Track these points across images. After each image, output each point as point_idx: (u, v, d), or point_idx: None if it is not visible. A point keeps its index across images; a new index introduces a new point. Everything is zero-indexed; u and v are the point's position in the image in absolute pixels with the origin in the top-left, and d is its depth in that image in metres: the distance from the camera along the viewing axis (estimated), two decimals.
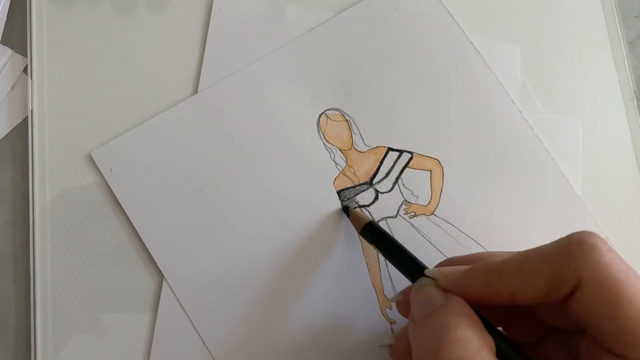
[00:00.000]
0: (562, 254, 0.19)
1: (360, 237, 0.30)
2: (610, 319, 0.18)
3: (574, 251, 0.19)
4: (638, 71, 0.35)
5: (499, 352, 0.20)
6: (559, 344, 0.22)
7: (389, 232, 0.30)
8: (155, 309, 0.29)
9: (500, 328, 0.22)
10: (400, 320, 0.29)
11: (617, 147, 0.33)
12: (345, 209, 0.30)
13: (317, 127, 0.31)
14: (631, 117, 0.34)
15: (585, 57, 0.34)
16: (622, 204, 0.33)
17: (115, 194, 0.29)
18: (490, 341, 0.19)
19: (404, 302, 0.25)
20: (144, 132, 0.30)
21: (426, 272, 0.23)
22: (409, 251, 0.25)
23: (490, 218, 0.31)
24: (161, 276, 0.29)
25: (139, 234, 0.29)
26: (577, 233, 0.19)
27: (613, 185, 0.33)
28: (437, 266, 0.24)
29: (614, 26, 0.35)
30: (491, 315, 0.21)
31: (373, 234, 0.27)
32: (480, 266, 0.21)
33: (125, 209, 0.29)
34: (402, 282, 0.29)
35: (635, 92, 0.34)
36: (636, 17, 0.36)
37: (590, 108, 0.33)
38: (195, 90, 0.31)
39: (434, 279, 0.22)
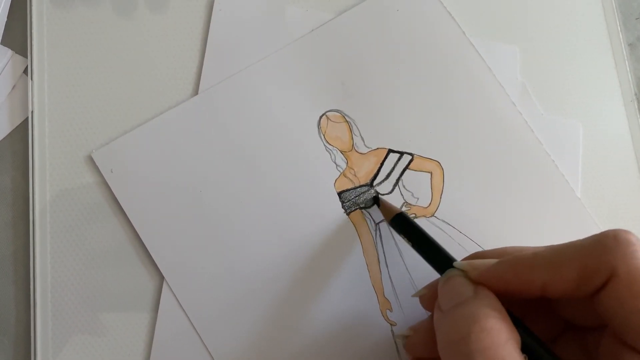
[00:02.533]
0: (596, 246, 0.19)
1: (361, 237, 0.30)
2: (639, 314, 0.18)
3: (609, 245, 0.19)
4: (638, 73, 0.35)
5: (525, 347, 0.20)
6: (574, 341, 0.23)
7: (392, 233, 0.30)
8: (155, 310, 0.29)
9: None
10: (401, 322, 0.29)
11: (618, 149, 0.33)
12: (376, 199, 0.30)
13: (318, 128, 0.31)
14: (631, 119, 0.34)
15: (586, 58, 0.34)
16: (623, 206, 0.33)
17: (116, 195, 0.29)
18: (516, 335, 0.19)
19: (427, 296, 0.25)
20: (145, 133, 0.30)
21: (455, 264, 0.23)
22: (438, 243, 0.25)
23: (491, 220, 0.31)
24: (161, 277, 0.29)
25: (139, 235, 0.29)
26: (612, 229, 0.19)
27: (613, 187, 0.33)
28: (463, 260, 0.24)
29: (614, 28, 0.35)
30: (509, 310, 0.21)
31: (403, 224, 0.27)
32: (511, 258, 0.21)
33: (125, 210, 0.29)
34: (403, 284, 0.29)
35: (635, 94, 0.34)
36: (637, 19, 0.36)
37: (591, 110, 0.33)
38: (196, 92, 0.31)
39: (462, 272, 0.22)
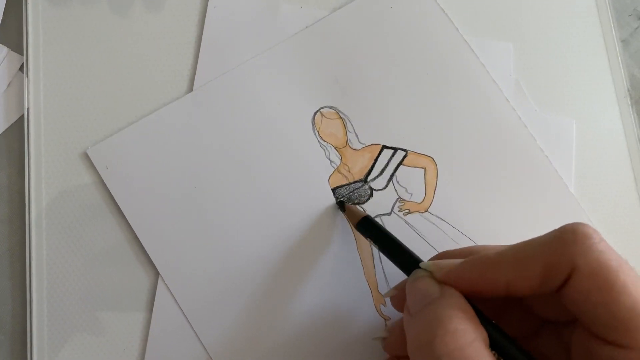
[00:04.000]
0: (556, 243, 0.19)
1: (355, 233, 0.30)
2: (604, 306, 0.18)
3: (568, 240, 0.19)
4: (631, 69, 0.35)
5: (493, 343, 0.20)
6: (551, 337, 0.23)
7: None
8: (151, 306, 0.29)
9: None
10: (394, 317, 0.29)
11: (611, 145, 0.33)
12: (341, 204, 0.30)
13: (312, 124, 0.31)
14: (624, 115, 0.34)
15: (579, 55, 0.34)
16: (615, 202, 0.33)
17: (111, 192, 0.29)
18: (483, 333, 0.19)
19: (398, 297, 0.25)
20: (140, 129, 0.30)
21: (421, 265, 0.23)
22: (404, 245, 0.25)
23: (484, 215, 0.31)
24: (156, 273, 0.29)
25: (135, 231, 0.29)
26: (570, 224, 0.20)
27: (606, 182, 0.33)
28: (430, 260, 0.24)
29: (607, 25, 0.35)
30: (484, 309, 0.21)
31: (369, 228, 0.27)
32: (476, 258, 0.21)
33: (120, 207, 0.29)
34: (396, 278, 0.30)
35: (628, 90, 0.34)
36: (630, 15, 0.36)
37: (584, 106, 0.34)
38: (191, 88, 0.31)
39: (429, 272, 0.22)
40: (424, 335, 0.19)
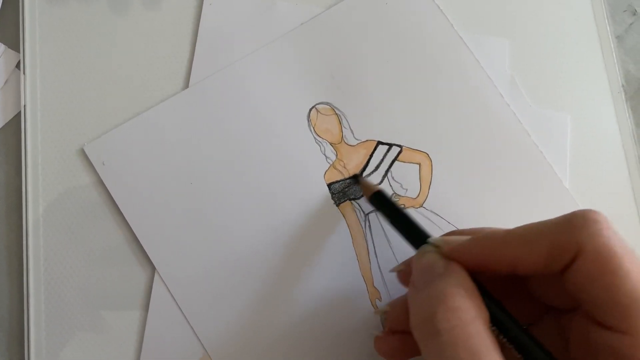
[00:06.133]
0: (565, 224, 0.20)
1: (350, 229, 0.30)
2: (606, 290, 0.18)
3: (577, 223, 0.19)
4: (626, 65, 0.35)
5: (495, 321, 0.20)
6: (550, 326, 0.23)
7: (381, 224, 0.30)
8: (148, 301, 0.29)
9: None
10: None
11: (605, 141, 0.33)
12: (355, 178, 0.30)
13: (308, 120, 0.31)
14: (619, 111, 0.34)
15: (574, 51, 0.34)
16: (610, 197, 0.33)
17: (108, 188, 0.29)
18: (484, 312, 0.20)
19: (404, 272, 0.26)
20: (136, 126, 0.30)
21: (429, 240, 0.23)
22: (414, 219, 0.26)
23: (479, 211, 0.31)
24: (153, 269, 0.29)
25: (131, 227, 0.29)
26: (581, 209, 0.20)
27: (601, 178, 0.33)
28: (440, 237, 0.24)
29: (602, 20, 0.35)
30: (481, 284, 0.21)
31: (381, 201, 0.28)
32: (484, 235, 0.21)
33: (117, 203, 0.29)
34: (392, 274, 0.30)
35: (623, 86, 0.34)
36: (624, 11, 0.36)
37: (579, 102, 0.34)
38: (187, 85, 0.31)
39: (436, 248, 0.22)
40: (426, 310, 0.20)
